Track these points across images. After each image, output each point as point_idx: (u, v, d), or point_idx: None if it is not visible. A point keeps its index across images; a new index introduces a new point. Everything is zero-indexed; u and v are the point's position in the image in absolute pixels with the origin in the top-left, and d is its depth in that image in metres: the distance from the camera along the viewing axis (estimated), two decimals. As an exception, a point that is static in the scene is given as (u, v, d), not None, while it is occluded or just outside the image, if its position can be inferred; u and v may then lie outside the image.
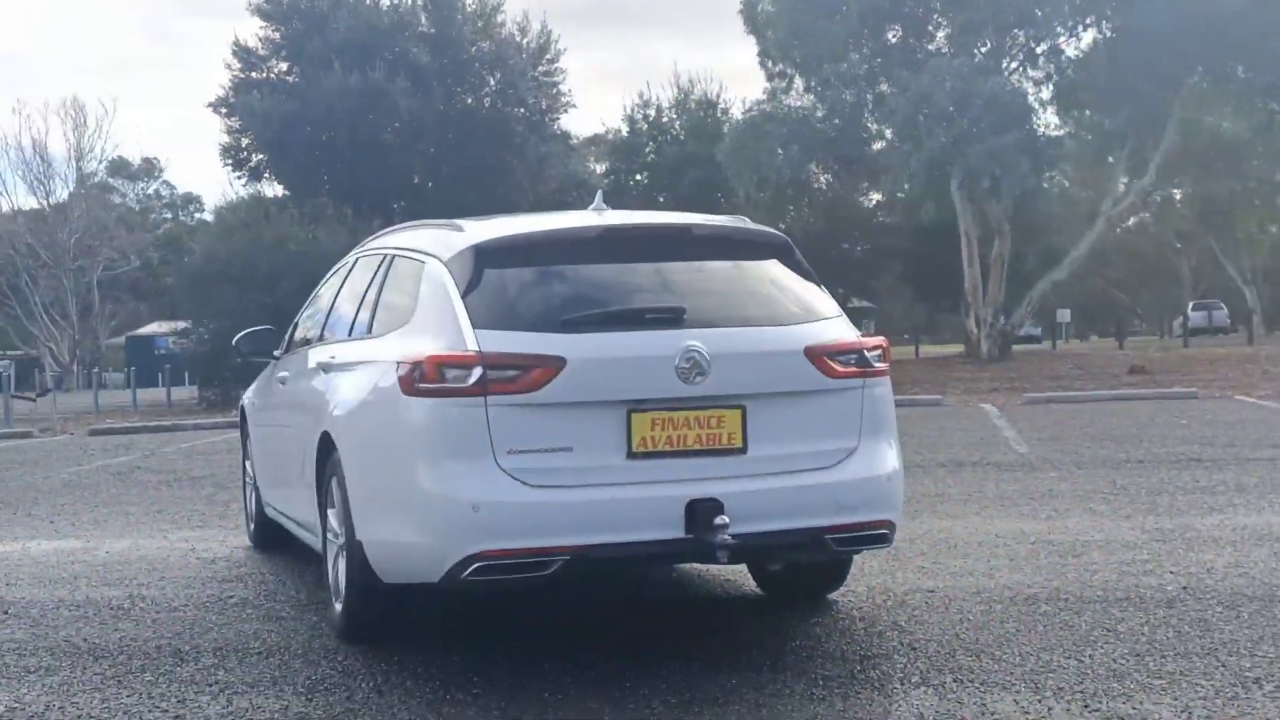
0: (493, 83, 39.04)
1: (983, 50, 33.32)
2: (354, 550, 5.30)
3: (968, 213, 33.06)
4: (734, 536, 4.77)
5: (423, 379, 4.86)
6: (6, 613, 6.51)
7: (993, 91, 29.64)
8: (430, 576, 4.87)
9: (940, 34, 34.64)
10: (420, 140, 38.22)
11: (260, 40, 38.37)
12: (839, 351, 5.21)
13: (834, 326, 5.33)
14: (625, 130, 43.11)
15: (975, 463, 11.92)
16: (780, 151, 33.36)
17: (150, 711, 4.71)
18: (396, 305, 5.67)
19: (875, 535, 5.22)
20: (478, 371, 4.79)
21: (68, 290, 54.65)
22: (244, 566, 7.61)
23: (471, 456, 4.79)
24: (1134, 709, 4.32)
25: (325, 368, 6.14)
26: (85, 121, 56.05)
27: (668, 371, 4.88)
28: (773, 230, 5.85)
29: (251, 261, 30.76)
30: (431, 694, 4.80)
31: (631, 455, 4.86)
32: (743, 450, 4.98)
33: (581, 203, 33.97)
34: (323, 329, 6.83)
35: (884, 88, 32.84)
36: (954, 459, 12.25)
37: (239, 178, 39.54)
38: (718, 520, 4.76)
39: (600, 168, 44.25)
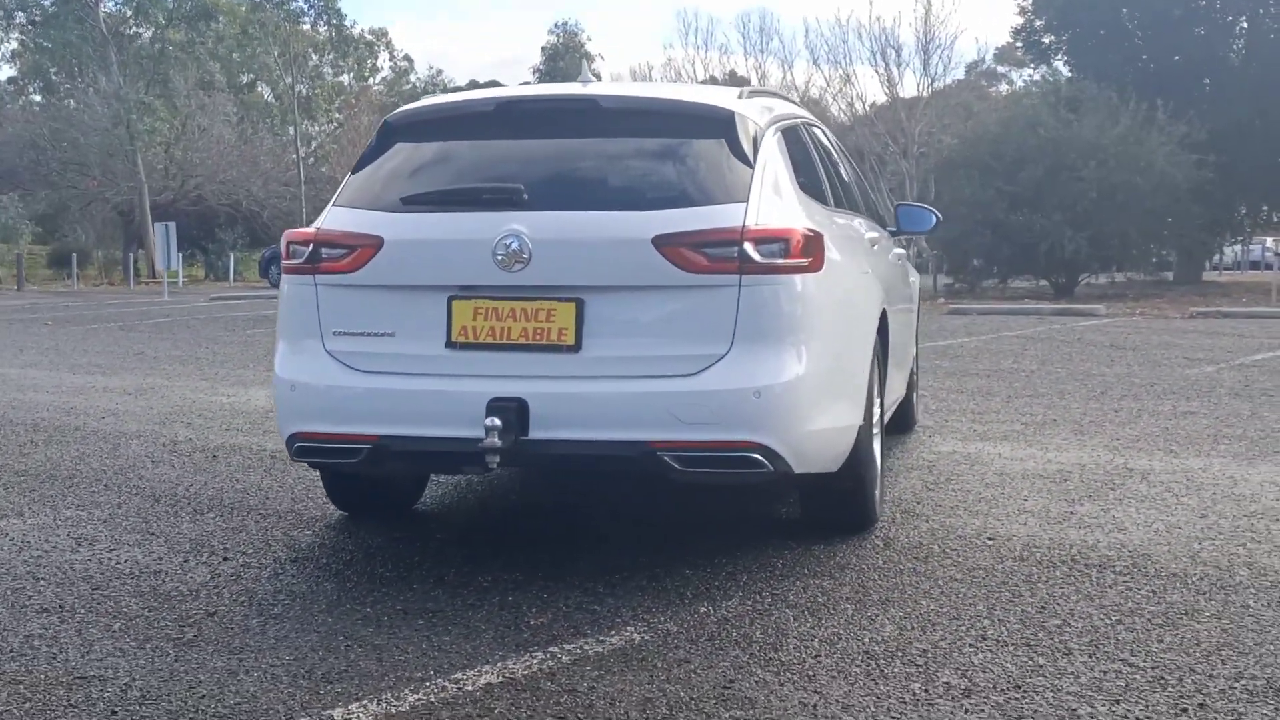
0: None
1: None
2: None
3: None
4: (511, 441, 4.35)
5: (282, 256, 5.02)
6: (210, 456, 7.68)
7: None
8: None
9: None
10: (1229, 12, 34.52)
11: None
12: (704, 243, 4.44)
13: (717, 213, 4.51)
14: None
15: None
16: None
17: (96, 544, 5.46)
18: None
19: (737, 458, 4.44)
20: (309, 249, 4.82)
21: (906, 175, 57.37)
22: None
23: (303, 336, 4.85)
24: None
25: None
26: (930, 9, 57.50)
27: (486, 257, 4.53)
28: (713, 104, 5.03)
29: (999, 146, 30.21)
30: (336, 574, 4.93)
31: (450, 345, 4.61)
32: (575, 348, 4.51)
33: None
34: None
35: None
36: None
37: (1029, 60, 38.73)
38: (487, 421, 4.35)
39: None
